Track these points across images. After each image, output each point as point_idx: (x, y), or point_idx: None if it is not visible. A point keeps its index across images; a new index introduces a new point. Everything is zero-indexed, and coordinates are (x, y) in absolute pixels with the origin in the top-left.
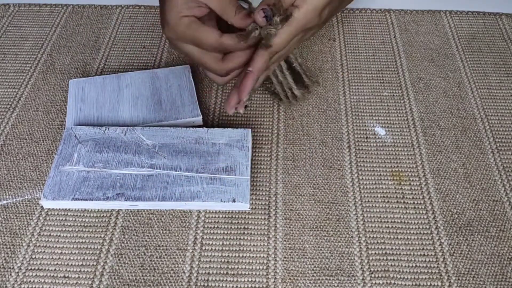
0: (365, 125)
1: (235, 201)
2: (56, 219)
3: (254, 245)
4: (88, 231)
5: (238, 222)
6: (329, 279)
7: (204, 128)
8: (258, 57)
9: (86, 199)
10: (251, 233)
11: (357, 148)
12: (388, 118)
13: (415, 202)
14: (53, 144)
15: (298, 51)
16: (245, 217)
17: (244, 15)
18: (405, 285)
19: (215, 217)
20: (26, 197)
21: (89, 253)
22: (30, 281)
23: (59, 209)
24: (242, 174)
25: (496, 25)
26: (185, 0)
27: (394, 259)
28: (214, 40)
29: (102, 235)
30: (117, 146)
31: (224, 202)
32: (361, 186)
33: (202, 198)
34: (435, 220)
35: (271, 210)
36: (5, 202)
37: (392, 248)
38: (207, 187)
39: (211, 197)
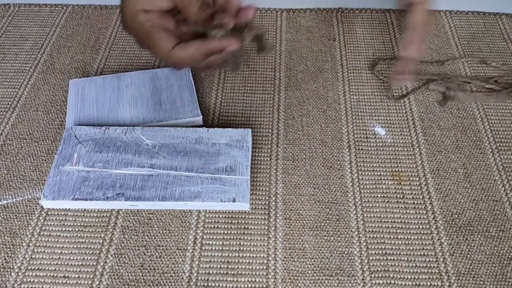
0: (365, 125)
1: (235, 201)
2: (56, 219)
3: (254, 245)
4: (88, 231)
5: (238, 222)
6: (329, 279)
7: (204, 128)
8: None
9: (86, 199)
10: (251, 233)
11: (357, 148)
12: (388, 118)
13: (415, 202)
14: (53, 144)
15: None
16: (245, 217)
17: (209, 14)
18: (405, 285)
19: (215, 217)
20: (26, 197)
21: (89, 253)
22: (30, 281)
23: (59, 209)
24: (242, 174)
25: (496, 25)
26: None
27: (394, 259)
28: (163, 53)
29: (102, 235)
30: (117, 146)
31: (224, 202)
32: (361, 186)
33: (202, 198)
34: (435, 220)
35: (271, 210)
36: (5, 202)
37: (392, 248)
38: (207, 187)
39: (211, 197)
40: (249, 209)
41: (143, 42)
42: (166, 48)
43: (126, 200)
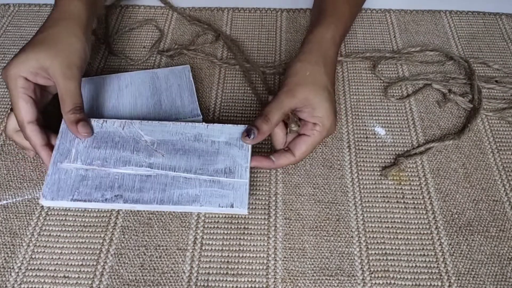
0: (365, 125)
1: (233, 207)
2: (56, 219)
3: (254, 245)
4: (88, 231)
5: (238, 222)
6: (329, 279)
7: (204, 123)
8: (282, 161)
9: (85, 200)
10: (251, 233)
11: (357, 148)
12: (388, 118)
13: (415, 202)
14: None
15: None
16: (245, 217)
17: (84, 124)
18: (405, 285)
19: (215, 217)
20: (26, 197)
21: (89, 253)
22: (30, 281)
23: (59, 208)
24: (241, 177)
25: (496, 25)
26: (35, 64)
27: (394, 259)
28: (19, 121)
29: (102, 235)
30: (115, 142)
31: (222, 207)
32: (361, 186)
33: (200, 202)
34: (435, 220)
35: (271, 210)
36: (5, 202)
37: (392, 248)
38: (205, 190)
39: (209, 202)
40: (247, 213)
41: (12, 105)
42: (21, 118)
43: (124, 203)
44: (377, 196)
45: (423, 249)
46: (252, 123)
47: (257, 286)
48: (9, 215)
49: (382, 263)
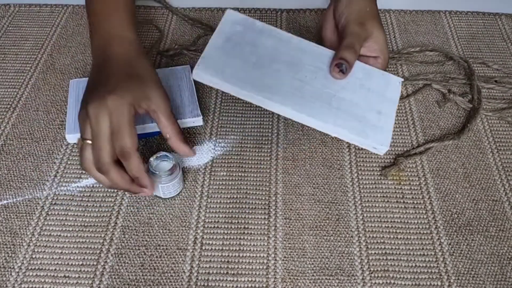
0: None
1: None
2: (56, 219)
3: (254, 244)
4: (88, 230)
5: (238, 222)
6: (329, 279)
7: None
8: None
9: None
10: (251, 233)
11: (356, 147)
12: None
13: (415, 202)
14: (53, 144)
15: None
16: (245, 217)
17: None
18: (405, 284)
19: (215, 217)
20: (27, 196)
21: (89, 252)
22: (30, 280)
23: (60, 208)
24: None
25: (496, 25)
26: (139, 94)
27: (393, 259)
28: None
29: (102, 235)
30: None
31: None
32: (361, 186)
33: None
34: (435, 220)
35: (271, 209)
36: (5, 201)
37: (391, 248)
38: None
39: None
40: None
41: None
42: (131, 145)
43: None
44: (377, 196)
45: (422, 248)
46: (338, 55)
47: (257, 286)
48: (10, 215)
49: (382, 263)
